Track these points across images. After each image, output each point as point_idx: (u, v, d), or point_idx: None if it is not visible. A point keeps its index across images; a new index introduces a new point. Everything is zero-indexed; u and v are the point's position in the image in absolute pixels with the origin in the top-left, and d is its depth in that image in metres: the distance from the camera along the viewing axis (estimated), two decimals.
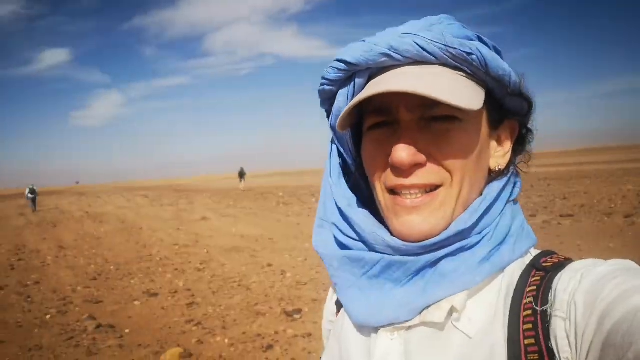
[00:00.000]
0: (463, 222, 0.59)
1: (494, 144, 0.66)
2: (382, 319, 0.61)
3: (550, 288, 0.55)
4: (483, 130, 0.62)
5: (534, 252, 0.64)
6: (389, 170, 0.60)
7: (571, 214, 11.15)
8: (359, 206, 0.68)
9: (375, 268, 0.62)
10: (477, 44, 0.58)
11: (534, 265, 0.60)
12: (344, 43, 0.63)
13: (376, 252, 0.63)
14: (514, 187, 0.67)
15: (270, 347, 4.68)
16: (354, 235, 0.66)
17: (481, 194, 0.63)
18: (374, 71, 0.61)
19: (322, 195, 0.74)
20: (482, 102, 0.57)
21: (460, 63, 0.58)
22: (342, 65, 0.61)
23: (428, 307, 0.59)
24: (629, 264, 0.54)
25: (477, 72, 0.59)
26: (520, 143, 0.68)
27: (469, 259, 0.59)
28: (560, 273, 0.56)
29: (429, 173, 0.59)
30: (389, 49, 0.57)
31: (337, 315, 0.76)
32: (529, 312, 0.55)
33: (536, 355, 0.52)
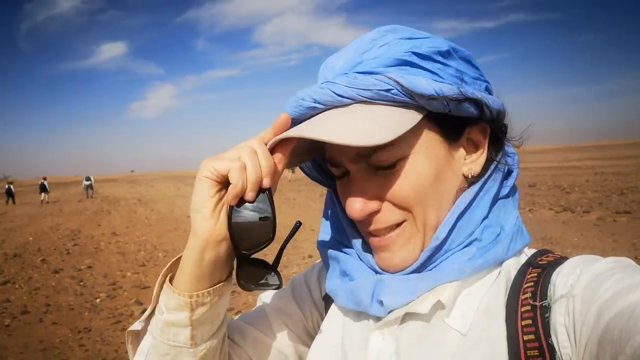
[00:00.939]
0: (436, 238, 0.61)
1: (461, 152, 0.64)
2: (368, 305, 0.62)
3: (548, 283, 0.55)
4: (437, 150, 0.61)
5: (529, 251, 0.64)
6: None
7: (628, 211, 10.37)
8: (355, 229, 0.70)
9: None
10: (404, 71, 0.58)
11: (530, 263, 0.61)
12: None
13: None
14: (504, 181, 0.66)
15: None
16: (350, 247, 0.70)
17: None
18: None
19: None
20: (409, 125, 0.56)
21: (381, 98, 0.57)
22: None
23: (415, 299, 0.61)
24: (627, 261, 0.54)
25: (404, 99, 0.57)
26: (496, 141, 0.66)
27: (459, 257, 0.61)
28: (558, 269, 0.56)
29: (388, 215, 0.62)
30: (313, 102, 0.60)
31: (325, 309, 0.76)
32: (528, 307, 0.55)
33: (536, 351, 0.52)
